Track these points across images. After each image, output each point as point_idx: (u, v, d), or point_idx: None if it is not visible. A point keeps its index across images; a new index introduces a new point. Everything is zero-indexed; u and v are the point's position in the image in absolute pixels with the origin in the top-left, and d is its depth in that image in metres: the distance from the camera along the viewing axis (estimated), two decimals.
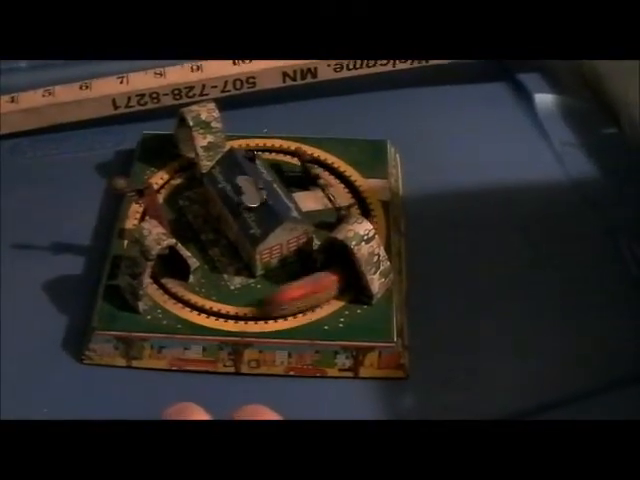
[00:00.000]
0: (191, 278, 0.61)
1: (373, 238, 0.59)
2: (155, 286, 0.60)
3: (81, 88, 0.72)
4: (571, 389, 0.59)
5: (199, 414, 0.43)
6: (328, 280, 0.59)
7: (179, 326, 0.59)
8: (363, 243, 0.58)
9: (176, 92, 0.73)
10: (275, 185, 0.62)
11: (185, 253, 0.60)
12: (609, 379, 0.60)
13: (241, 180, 0.62)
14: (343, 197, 0.67)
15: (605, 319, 0.62)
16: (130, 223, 0.64)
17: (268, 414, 0.43)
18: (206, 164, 0.67)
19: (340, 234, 0.58)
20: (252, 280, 0.61)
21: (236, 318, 0.59)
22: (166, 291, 0.60)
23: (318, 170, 0.68)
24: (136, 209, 0.65)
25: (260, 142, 0.71)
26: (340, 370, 0.59)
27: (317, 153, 0.70)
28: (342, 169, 0.69)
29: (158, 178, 0.68)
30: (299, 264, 0.62)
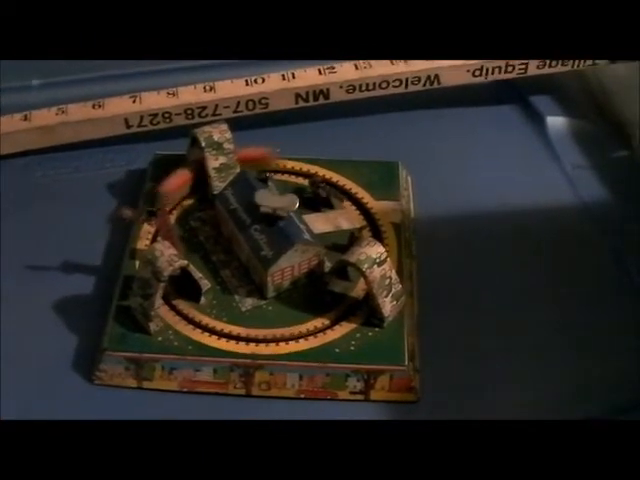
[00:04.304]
0: (202, 299, 0.61)
1: (385, 261, 0.59)
2: (166, 307, 0.60)
3: (94, 107, 0.73)
4: (585, 408, 0.58)
5: None
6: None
7: (190, 347, 0.58)
8: (375, 266, 0.58)
9: (189, 112, 0.73)
10: None
11: (197, 274, 0.60)
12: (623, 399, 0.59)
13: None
14: (355, 219, 0.67)
15: (618, 341, 0.62)
16: (142, 243, 0.64)
17: None
18: (218, 185, 0.67)
19: (352, 257, 0.58)
20: (263, 302, 0.61)
21: (247, 340, 0.59)
22: (177, 312, 0.60)
23: (331, 191, 0.68)
24: (148, 230, 0.65)
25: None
26: (351, 393, 0.58)
27: (329, 175, 0.70)
28: (354, 191, 0.69)
29: None
30: (311, 286, 0.62)
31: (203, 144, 0.66)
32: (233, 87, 0.73)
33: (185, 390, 0.59)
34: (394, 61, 0.74)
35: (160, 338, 0.59)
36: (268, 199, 0.61)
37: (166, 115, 0.73)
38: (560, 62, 0.74)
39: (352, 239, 0.63)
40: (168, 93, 0.73)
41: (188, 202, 0.68)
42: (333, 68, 0.74)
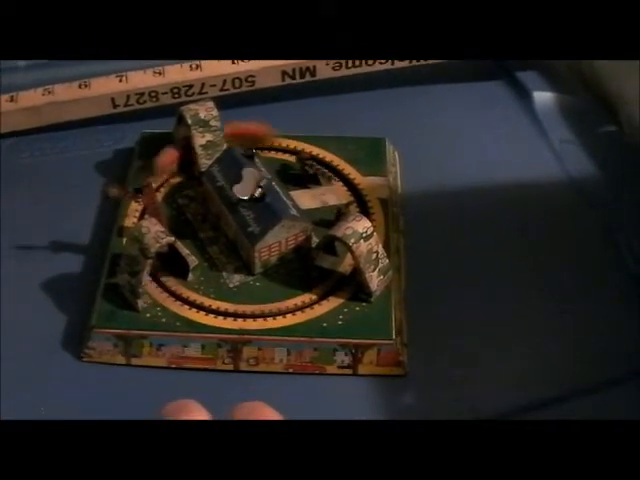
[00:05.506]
0: (190, 276, 0.61)
1: (372, 236, 0.59)
2: (154, 284, 0.60)
3: (80, 87, 0.73)
4: (571, 386, 0.59)
5: (198, 411, 0.43)
6: None
7: (178, 324, 0.59)
8: (362, 241, 0.58)
9: (175, 91, 0.73)
10: (274, 183, 0.62)
11: (184, 251, 0.60)
12: (608, 376, 0.60)
13: (246, 172, 0.62)
14: (342, 195, 0.67)
15: (603, 316, 0.62)
16: (129, 221, 0.64)
17: (267, 411, 0.43)
18: (205, 162, 0.67)
19: (339, 231, 0.59)
20: (251, 278, 0.61)
21: (235, 315, 0.59)
22: (165, 289, 0.60)
23: (318, 167, 0.68)
24: (135, 207, 0.65)
25: None
26: (339, 367, 0.59)
27: (316, 151, 0.70)
28: (341, 167, 0.69)
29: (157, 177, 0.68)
30: (298, 262, 0.62)
31: (189, 122, 0.66)
32: (219, 65, 0.73)
33: (173, 366, 0.59)
34: None
35: (148, 315, 0.59)
36: (244, 189, 0.61)
37: (153, 94, 0.73)
38: None
39: (339, 214, 0.63)
40: (154, 72, 0.73)
41: (175, 180, 0.68)
42: None
